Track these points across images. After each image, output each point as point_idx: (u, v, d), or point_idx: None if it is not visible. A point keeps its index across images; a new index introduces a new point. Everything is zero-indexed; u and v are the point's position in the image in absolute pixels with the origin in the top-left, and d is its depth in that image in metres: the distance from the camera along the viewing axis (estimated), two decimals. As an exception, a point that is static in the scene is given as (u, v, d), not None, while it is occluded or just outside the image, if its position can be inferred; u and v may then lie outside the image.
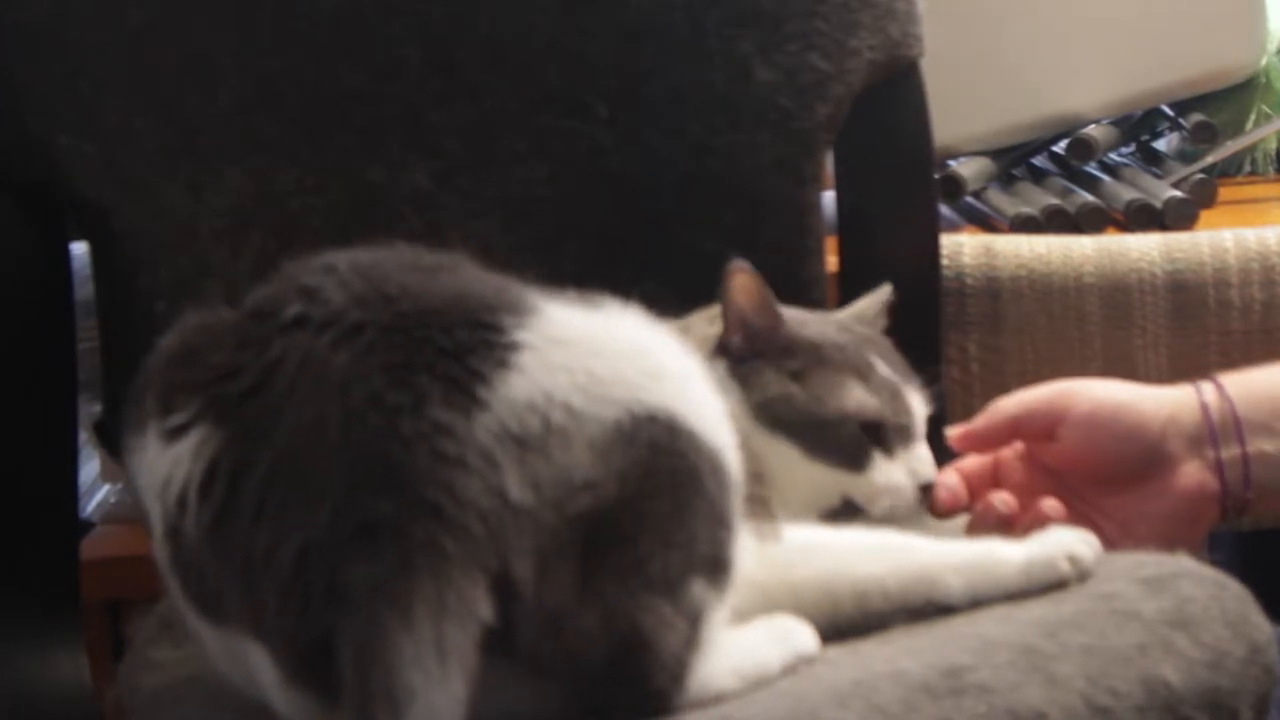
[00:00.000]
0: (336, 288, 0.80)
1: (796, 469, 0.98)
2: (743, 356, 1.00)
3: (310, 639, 0.75)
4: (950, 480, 1.04)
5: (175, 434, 0.81)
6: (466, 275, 0.84)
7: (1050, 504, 1.01)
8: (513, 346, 0.78)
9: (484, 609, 0.74)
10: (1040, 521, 0.99)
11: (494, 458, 0.75)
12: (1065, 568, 0.91)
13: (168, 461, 0.80)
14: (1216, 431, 1.02)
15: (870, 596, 0.90)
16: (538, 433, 0.77)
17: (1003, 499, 1.02)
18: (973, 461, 1.07)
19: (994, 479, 1.06)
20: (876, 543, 0.93)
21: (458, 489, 0.74)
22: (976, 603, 0.90)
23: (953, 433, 1.07)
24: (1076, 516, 1.02)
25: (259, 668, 0.80)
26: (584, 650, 0.78)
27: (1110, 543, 1.00)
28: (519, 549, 0.75)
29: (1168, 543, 0.97)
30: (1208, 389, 1.04)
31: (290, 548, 0.75)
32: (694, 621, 0.80)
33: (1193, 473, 1.02)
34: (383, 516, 0.74)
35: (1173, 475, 1.02)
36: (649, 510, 0.78)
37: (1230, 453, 1.02)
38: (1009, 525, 1.00)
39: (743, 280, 0.99)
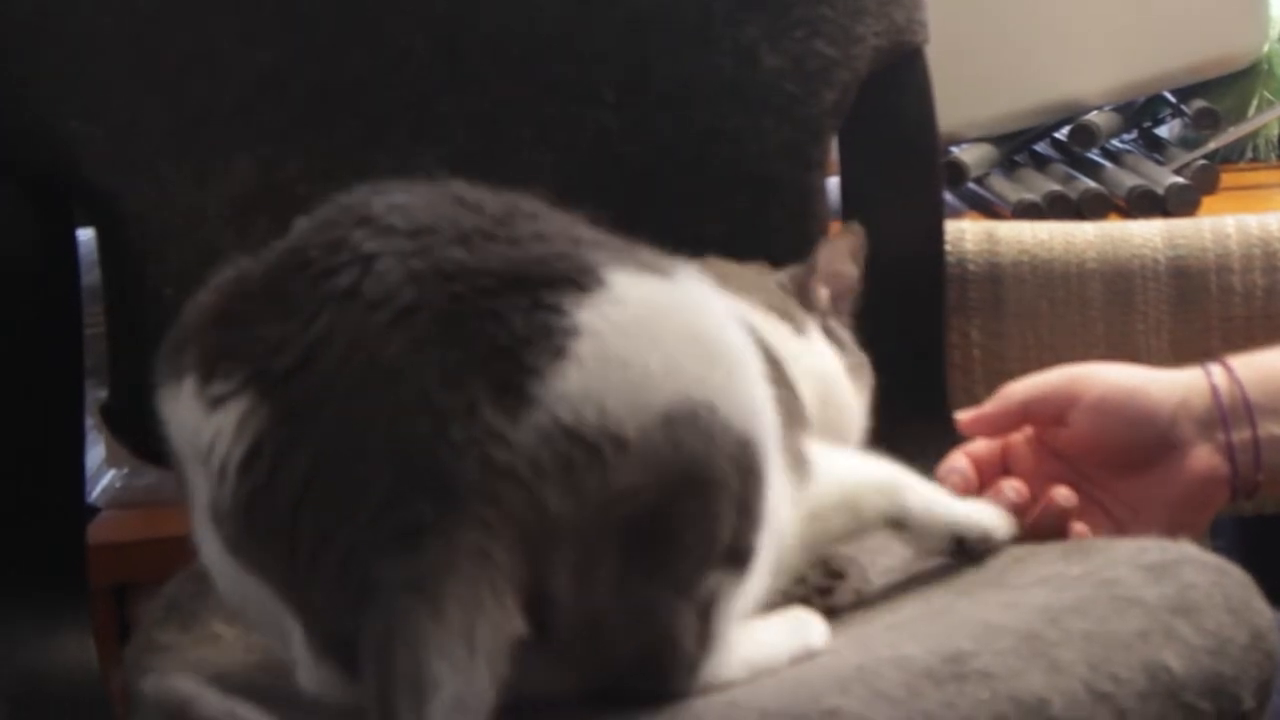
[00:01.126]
0: (392, 260, 0.77)
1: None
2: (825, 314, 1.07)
3: (348, 630, 0.73)
4: (960, 464, 1.04)
5: (218, 402, 0.79)
6: (529, 233, 0.80)
7: (1062, 492, 1.01)
8: (572, 332, 0.76)
9: (517, 622, 0.73)
10: (1051, 509, 0.99)
11: (541, 463, 0.74)
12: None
13: (210, 429, 0.79)
14: (1227, 414, 1.02)
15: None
16: (590, 428, 0.75)
17: (1014, 486, 1.01)
18: (981, 446, 1.06)
19: (1003, 464, 1.06)
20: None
21: (504, 499, 0.73)
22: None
23: (962, 416, 1.07)
24: (1086, 501, 1.02)
25: (290, 633, 0.79)
26: (614, 647, 0.77)
27: (1120, 526, 1.01)
28: (560, 562, 0.75)
29: (1177, 526, 0.98)
30: (1217, 372, 1.04)
31: (334, 544, 0.74)
32: (713, 614, 0.80)
33: (1203, 456, 1.02)
34: (426, 521, 0.72)
35: (1184, 459, 1.02)
36: (681, 510, 0.77)
37: (1241, 435, 1.02)
38: (1020, 513, 1.00)
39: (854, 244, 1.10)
